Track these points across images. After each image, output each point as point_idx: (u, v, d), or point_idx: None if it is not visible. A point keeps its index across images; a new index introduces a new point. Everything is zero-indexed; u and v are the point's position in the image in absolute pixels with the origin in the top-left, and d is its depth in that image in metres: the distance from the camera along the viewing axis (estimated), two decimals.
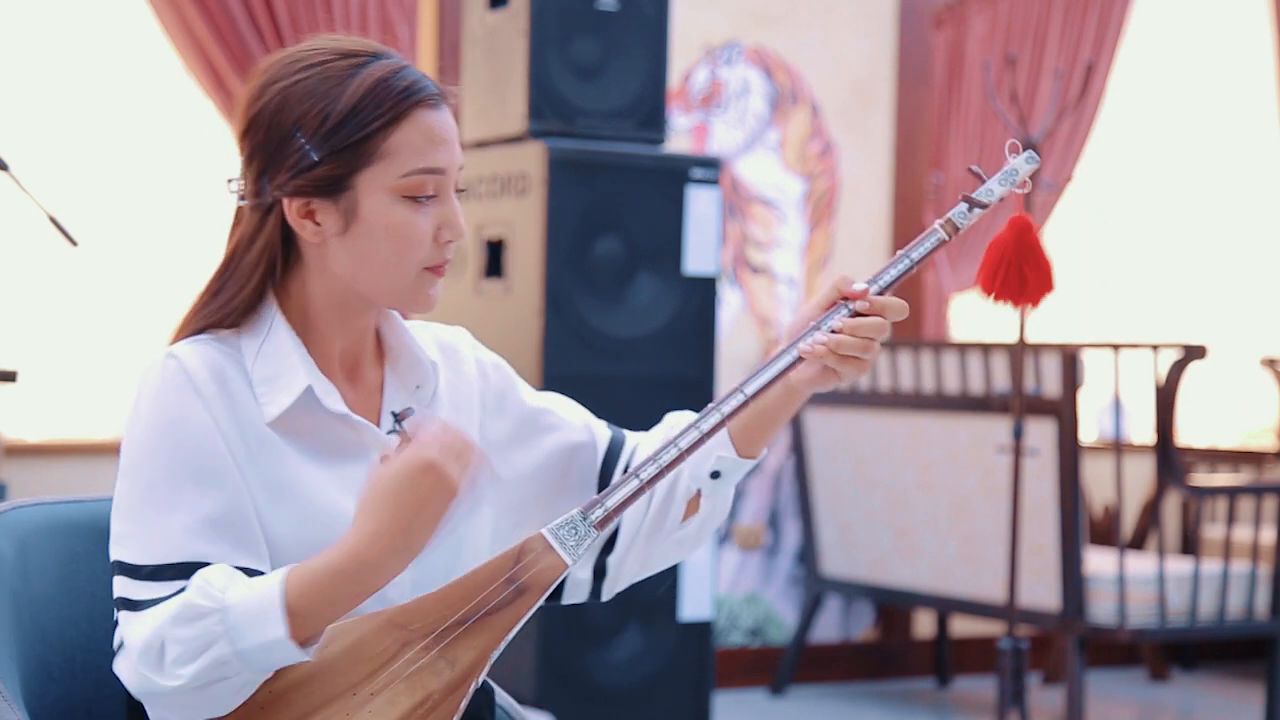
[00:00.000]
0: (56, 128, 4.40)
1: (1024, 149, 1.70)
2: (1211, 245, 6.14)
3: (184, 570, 1.53)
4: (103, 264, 4.43)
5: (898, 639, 5.33)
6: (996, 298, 1.96)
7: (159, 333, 4.85)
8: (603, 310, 3.68)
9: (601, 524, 1.58)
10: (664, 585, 1.78)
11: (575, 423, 1.79)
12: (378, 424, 1.67)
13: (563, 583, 1.73)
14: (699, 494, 1.74)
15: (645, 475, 1.59)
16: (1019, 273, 1.95)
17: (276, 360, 1.62)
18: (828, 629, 5.24)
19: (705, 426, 1.61)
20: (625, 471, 1.75)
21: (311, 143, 1.60)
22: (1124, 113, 5.86)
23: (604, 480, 1.77)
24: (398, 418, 1.66)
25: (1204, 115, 6.09)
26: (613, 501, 1.59)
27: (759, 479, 5.12)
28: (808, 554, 5.05)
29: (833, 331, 1.61)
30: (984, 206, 1.68)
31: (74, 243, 3.56)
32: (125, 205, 4.48)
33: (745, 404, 1.61)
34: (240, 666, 1.49)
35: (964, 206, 1.68)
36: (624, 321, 3.71)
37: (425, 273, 1.63)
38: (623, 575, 1.77)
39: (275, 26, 4.39)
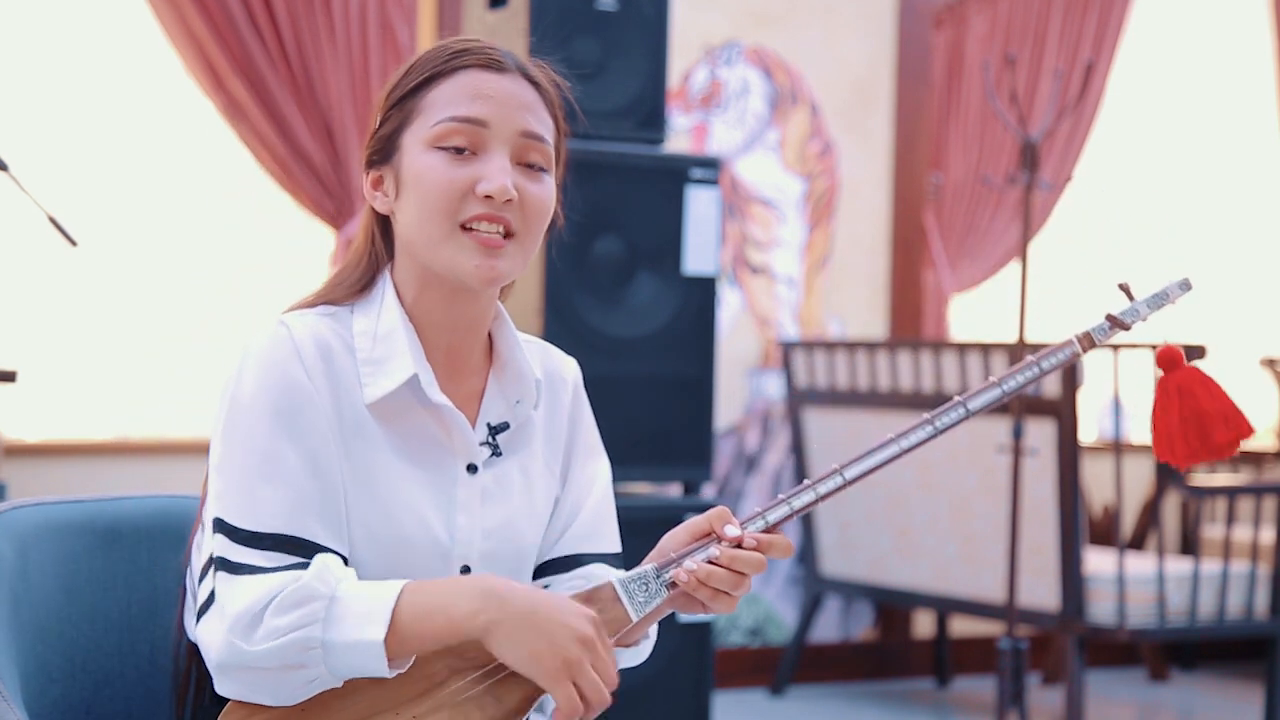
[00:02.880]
0: (56, 128, 4.40)
1: (1180, 281, 1.62)
2: (1211, 245, 6.14)
3: (281, 543, 1.52)
4: (103, 264, 4.44)
5: (897, 639, 5.34)
6: (1182, 463, 1.67)
7: (159, 332, 4.85)
8: (602, 310, 3.68)
9: (674, 584, 1.55)
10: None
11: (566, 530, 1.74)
12: (473, 429, 1.65)
13: None
14: None
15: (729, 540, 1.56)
16: (1196, 425, 1.65)
17: (386, 343, 1.60)
18: (827, 629, 5.24)
19: (775, 515, 1.58)
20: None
21: (380, 113, 1.64)
22: (1124, 113, 5.86)
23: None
24: (493, 430, 1.65)
25: (1204, 115, 6.09)
26: (691, 564, 1.55)
27: (759, 479, 5.12)
28: (807, 554, 5.05)
29: (709, 561, 1.55)
30: (1126, 328, 1.63)
31: (74, 243, 3.56)
32: (125, 205, 4.48)
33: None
34: (321, 656, 1.48)
35: (1105, 324, 1.63)
36: (624, 321, 3.71)
37: (463, 234, 1.58)
38: None
39: (275, 26, 4.39)
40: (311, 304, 1.64)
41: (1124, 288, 1.63)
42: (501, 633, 1.47)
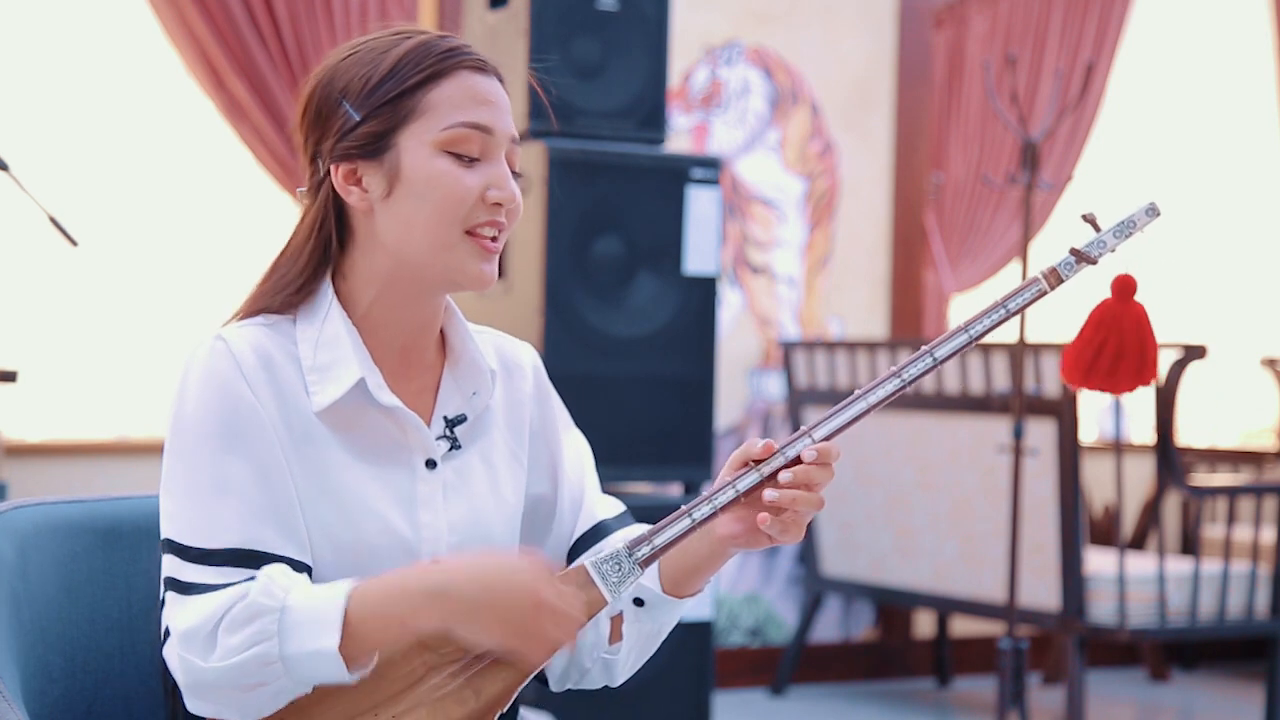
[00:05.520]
0: (56, 128, 4.40)
1: (1146, 204, 1.53)
2: (1211, 245, 6.14)
3: (234, 557, 1.50)
4: (103, 264, 4.44)
5: (898, 639, 5.33)
6: (1088, 385, 1.64)
7: (159, 332, 4.84)
8: (603, 310, 3.68)
9: (646, 563, 1.54)
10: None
11: (575, 508, 1.74)
12: (428, 425, 1.63)
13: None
14: (621, 618, 1.68)
15: (698, 515, 1.54)
16: (1118, 357, 1.62)
17: (330, 349, 1.58)
18: (828, 629, 5.24)
19: (764, 470, 1.54)
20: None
21: (355, 105, 1.59)
22: (1124, 113, 5.86)
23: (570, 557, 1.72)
24: (450, 423, 1.64)
25: (1204, 115, 6.09)
26: (661, 540, 1.54)
27: None
28: (808, 554, 5.05)
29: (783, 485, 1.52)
30: (1093, 262, 1.55)
31: (74, 243, 3.56)
32: (125, 205, 4.48)
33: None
34: (282, 670, 1.47)
35: (1070, 259, 1.55)
36: (624, 321, 3.71)
37: (469, 240, 1.58)
38: (568, 679, 1.72)
39: (275, 26, 4.39)
40: (249, 313, 1.61)
41: (1089, 219, 1.56)
42: (462, 627, 1.47)
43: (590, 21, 3.71)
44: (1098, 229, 1.56)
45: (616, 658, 1.69)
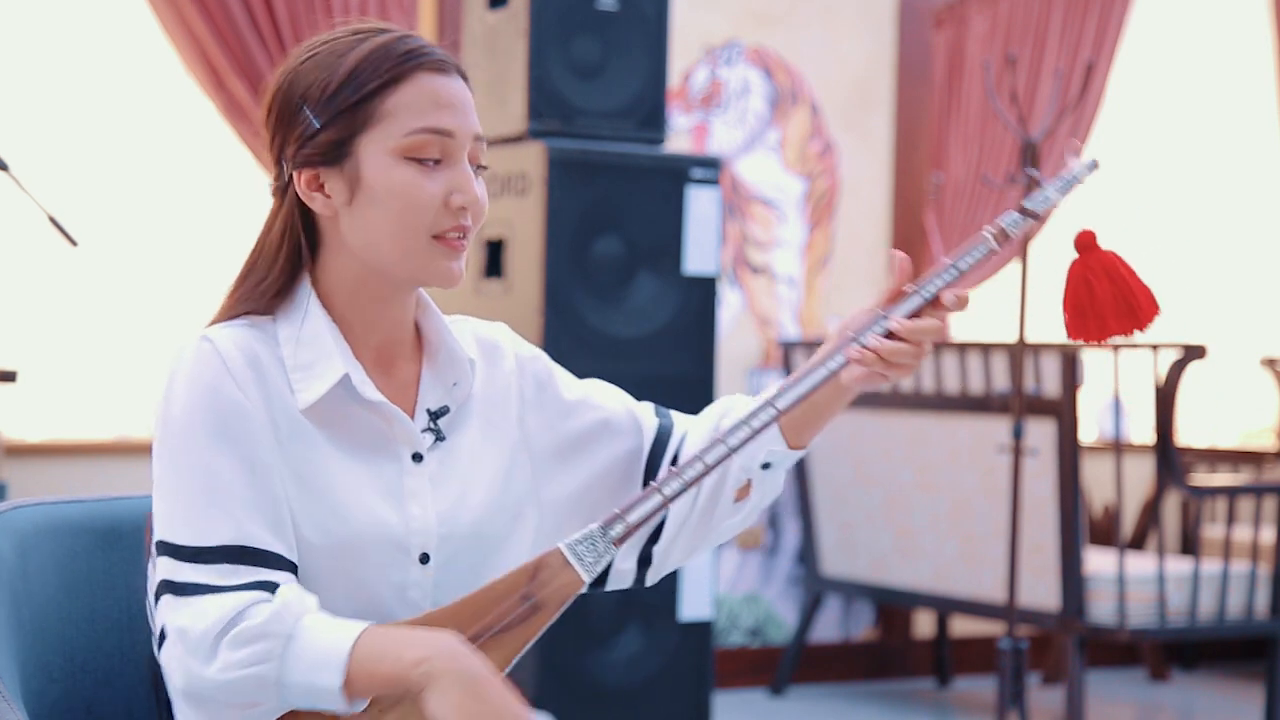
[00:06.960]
0: (56, 128, 4.40)
1: (1085, 156, 1.63)
2: (1211, 245, 6.14)
3: (228, 554, 1.51)
4: (103, 264, 4.44)
5: (898, 639, 5.34)
6: (1086, 335, 1.69)
7: (159, 332, 4.84)
8: (603, 310, 3.68)
9: (620, 540, 1.56)
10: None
11: (621, 422, 1.74)
12: (412, 419, 1.64)
13: (607, 570, 1.69)
14: (749, 482, 1.70)
15: (669, 491, 1.56)
16: (1100, 306, 1.66)
17: (313, 347, 1.59)
18: (828, 629, 5.24)
19: (733, 442, 1.58)
20: (674, 463, 1.71)
21: (315, 111, 1.59)
22: (1124, 113, 5.86)
23: (649, 474, 1.72)
24: (433, 416, 1.65)
25: (1204, 115, 6.09)
26: (634, 517, 1.56)
27: None
28: (808, 554, 5.06)
29: (888, 335, 1.58)
30: (1037, 217, 1.62)
31: (74, 243, 3.56)
32: (125, 205, 4.49)
33: (777, 417, 1.59)
34: (276, 694, 1.47)
35: (1016, 215, 1.62)
36: (624, 321, 3.71)
37: (436, 243, 1.58)
38: (668, 562, 1.73)
39: (275, 26, 4.39)
40: (230, 315, 1.62)
41: (1031, 175, 1.65)
42: (440, 685, 1.45)
43: (590, 21, 3.71)
44: (1041, 184, 1.63)
45: (737, 518, 1.70)
